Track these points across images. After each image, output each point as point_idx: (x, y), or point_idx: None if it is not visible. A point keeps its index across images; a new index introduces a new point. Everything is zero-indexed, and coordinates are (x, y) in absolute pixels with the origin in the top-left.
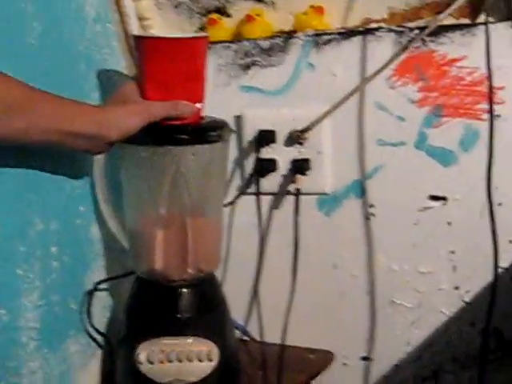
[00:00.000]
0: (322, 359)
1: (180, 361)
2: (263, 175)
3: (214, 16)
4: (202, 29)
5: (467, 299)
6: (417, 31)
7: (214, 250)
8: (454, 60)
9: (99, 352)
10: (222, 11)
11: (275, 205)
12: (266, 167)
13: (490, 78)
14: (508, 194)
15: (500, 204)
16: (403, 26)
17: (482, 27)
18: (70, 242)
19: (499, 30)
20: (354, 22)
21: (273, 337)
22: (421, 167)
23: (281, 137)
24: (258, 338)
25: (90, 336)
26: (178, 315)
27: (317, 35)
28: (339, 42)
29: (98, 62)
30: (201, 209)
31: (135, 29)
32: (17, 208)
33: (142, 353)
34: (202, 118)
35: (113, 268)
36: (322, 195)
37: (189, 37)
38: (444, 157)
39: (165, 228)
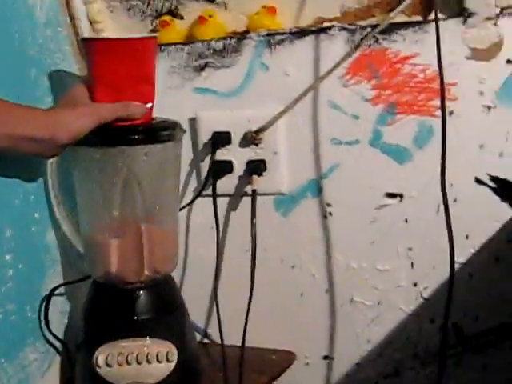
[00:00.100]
0: (284, 359)
1: (139, 363)
2: (219, 177)
3: (167, 18)
4: (154, 31)
5: (426, 296)
6: (369, 29)
7: (170, 251)
8: (407, 57)
9: (58, 358)
10: (174, 13)
11: (232, 206)
12: (221, 169)
13: (441, 74)
14: (462, 190)
15: (455, 200)
16: (355, 25)
17: (433, 24)
18: (26, 249)
19: (450, 26)
20: (306, 21)
21: (233, 339)
22: (376, 165)
23: (236, 138)
24: (218, 340)
25: (49, 343)
26: (136, 317)
27: (269, 35)
28: (292, 42)
29: (50, 66)
30: (155, 210)
31: (87, 32)
32: None
33: (100, 356)
34: (152, 118)
35: (69, 273)
36: (279, 195)
37: (137, 37)
38: (399, 154)
39: (119, 231)
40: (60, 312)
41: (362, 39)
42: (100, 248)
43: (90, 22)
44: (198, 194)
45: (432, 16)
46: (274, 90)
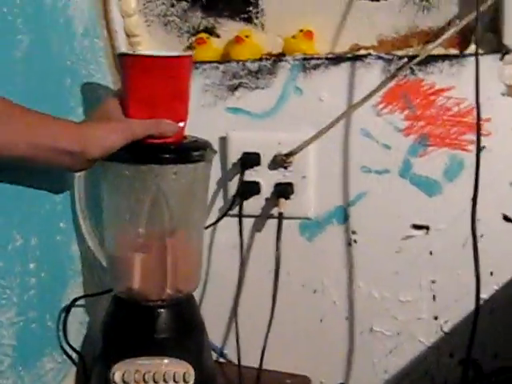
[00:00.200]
0: None
1: (156, 382)
2: (246, 198)
3: (203, 36)
4: (190, 48)
5: (446, 329)
6: (405, 59)
7: (194, 270)
8: (442, 90)
9: (74, 370)
10: (210, 31)
11: (257, 227)
12: (249, 190)
13: (478, 109)
14: (490, 225)
15: (482, 236)
16: (392, 54)
17: (471, 58)
18: (50, 259)
19: (488, 61)
20: (342, 47)
21: (250, 360)
22: (405, 196)
23: (265, 160)
24: (235, 361)
25: (66, 353)
26: (155, 335)
27: (305, 59)
28: (327, 67)
29: (85, 77)
30: (181, 229)
31: (123, 45)
32: None
33: (117, 373)
34: (184, 137)
35: (90, 285)
36: (305, 220)
37: (173, 55)
38: (428, 186)
39: (144, 248)
40: (79, 323)
41: (398, 69)
42: (123, 264)
43: (127, 35)
44: (225, 213)
45: (469, 50)
46: (307, 114)
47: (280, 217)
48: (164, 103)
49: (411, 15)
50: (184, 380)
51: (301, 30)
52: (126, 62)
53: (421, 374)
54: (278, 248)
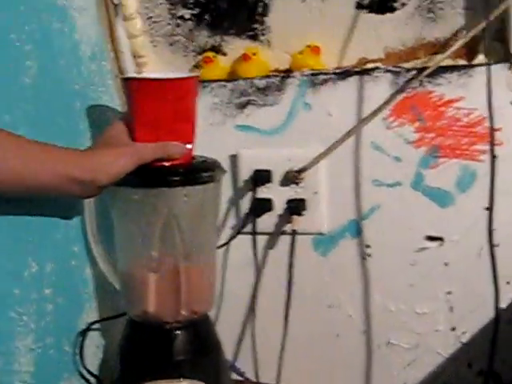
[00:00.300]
0: None
1: None
2: (259, 215)
3: (210, 54)
4: (197, 67)
5: (464, 340)
6: (414, 72)
7: (208, 291)
8: (451, 101)
9: None
10: (217, 50)
11: (270, 244)
12: (261, 207)
13: (491, 119)
14: (505, 235)
15: (497, 245)
16: (400, 67)
17: (479, 68)
18: (65, 284)
19: (496, 71)
20: (350, 61)
21: (268, 377)
22: (417, 208)
23: (276, 176)
24: (252, 378)
25: (83, 378)
26: (172, 357)
27: (313, 75)
28: (336, 82)
29: (93, 100)
30: (193, 251)
31: (130, 66)
32: (11, 250)
33: None
34: (192, 158)
35: (105, 308)
36: (318, 235)
37: (177, 77)
38: (440, 197)
39: (157, 271)
40: (96, 347)
41: (406, 82)
42: (137, 287)
43: (134, 56)
44: (238, 231)
45: (477, 60)
46: (317, 129)
47: (293, 234)
48: (171, 125)
49: (418, 27)
50: None
51: (308, 46)
52: (130, 86)
53: None
54: (291, 265)
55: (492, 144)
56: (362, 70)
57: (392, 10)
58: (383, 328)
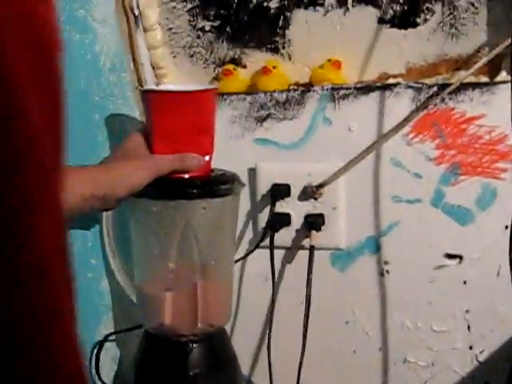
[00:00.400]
0: None
1: None
2: (277, 229)
3: (230, 67)
4: (216, 79)
5: (481, 359)
6: (435, 88)
7: (225, 304)
8: (473, 118)
9: None
10: (237, 62)
11: (288, 259)
12: (279, 221)
13: None
14: None
15: None
16: (421, 83)
17: (502, 86)
18: (82, 296)
19: None
20: (371, 76)
21: None
22: (437, 225)
23: (295, 191)
24: None
25: None
26: (188, 371)
27: (334, 89)
28: (356, 97)
29: (112, 111)
30: (211, 264)
31: (150, 78)
32: None
33: None
34: (211, 170)
35: (121, 320)
36: (336, 251)
37: (195, 90)
38: (460, 215)
39: (174, 283)
40: (111, 359)
41: (428, 98)
42: (154, 300)
43: (153, 67)
44: (256, 246)
45: (499, 77)
46: (336, 144)
47: (312, 249)
48: (189, 137)
49: (440, 43)
50: None
51: (328, 60)
52: (148, 98)
53: None
54: (309, 282)
55: None
56: (383, 86)
57: (414, 25)
58: (400, 345)
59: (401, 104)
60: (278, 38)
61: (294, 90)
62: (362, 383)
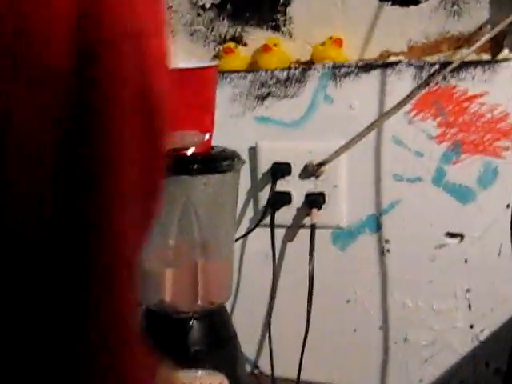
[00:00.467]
0: None
1: None
2: (277, 208)
3: (230, 45)
4: (217, 57)
5: (482, 338)
6: (437, 66)
7: (225, 281)
8: (475, 96)
9: None
10: (238, 40)
11: (289, 238)
12: (280, 200)
13: None
14: None
15: None
16: (423, 61)
17: (504, 63)
18: None
19: None
20: (372, 54)
21: (284, 371)
22: (438, 204)
23: (296, 169)
24: (268, 372)
25: None
26: (188, 348)
27: (335, 67)
28: (358, 75)
29: None
30: (211, 241)
31: None
32: None
33: None
34: (211, 148)
35: None
36: (337, 229)
37: (196, 67)
38: (462, 194)
39: (174, 260)
40: None
41: (430, 76)
42: (154, 276)
43: None
44: (256, 224)
45: (501, 55)
46: (338, 123)
47: (313, 228)
48: (189, 115)
49: (442, 21)
50: None
51: (330, 38)
52: None
53: (456, 383)
54: (311, 259)
55: None
56: (384, 64)
57: (416, 2)
58: (401, 324)
59: (402, 82)
60: (278, 16)
61: (295, 68)
62: (362, 362)
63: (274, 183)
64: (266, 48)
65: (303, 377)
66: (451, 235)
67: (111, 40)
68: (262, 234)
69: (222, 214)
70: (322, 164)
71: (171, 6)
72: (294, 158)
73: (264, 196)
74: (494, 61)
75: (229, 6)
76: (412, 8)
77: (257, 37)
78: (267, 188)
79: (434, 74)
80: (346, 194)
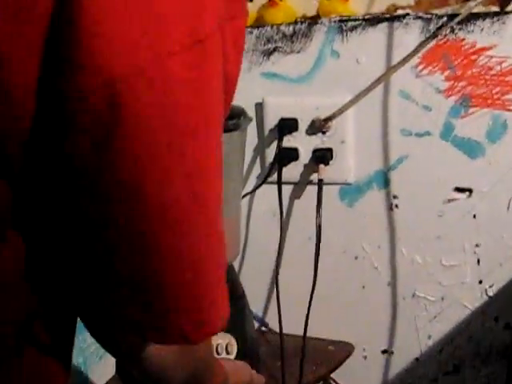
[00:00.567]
0: (342, 351)
1: None
2: (285, 164)
3: None
4: None
5: (491, 293)
6: (445, 19)
7: (232, 240)
8: (483, 49)
9: None
10: None
11: (296, 194)
12: (287, 156)
13: None
14: None
15: None
16: (431, 13)
17: None
18: None
19: None
20: (379, 8)
21: (292, 328)
22: (446, 158)
23: (303, 125)
24: (276, 328)
25: None
26: None
27: (342, 21)
28: (365, 29)
29: None
30: None
31: None
32: None
33: None
34: None
35: None
36: (345, 185)
37: None
38: (470, 148)
39: None
40: None
41: (438, 29)
42: None
43: None
44: (263, 181)
45: (510, 7)
46: (345, 77)
47: (320, 183)
48: None
49: None
50: (226, 351)
51: None
52: None
53: (465, 338)
54: (318, 215)
55: None
56: (391, 17)
57: None
58: (409, 280)
59: (410, 35)
60: None
61: (302, 23)
62: (370, 318)
63: (280, 139)
64: (271, 3)
65: (311, 333)
66: (460, 190)
67: None
68: (269, 190)
69: (229, 173)
70: (328, 119)
71: None
72: (301, 113)
73: (271, 152)
74: (502, 12)
75: None
76: None
77: None
78: (274, 144)
79: (441, 26)
80: (354, 150)
